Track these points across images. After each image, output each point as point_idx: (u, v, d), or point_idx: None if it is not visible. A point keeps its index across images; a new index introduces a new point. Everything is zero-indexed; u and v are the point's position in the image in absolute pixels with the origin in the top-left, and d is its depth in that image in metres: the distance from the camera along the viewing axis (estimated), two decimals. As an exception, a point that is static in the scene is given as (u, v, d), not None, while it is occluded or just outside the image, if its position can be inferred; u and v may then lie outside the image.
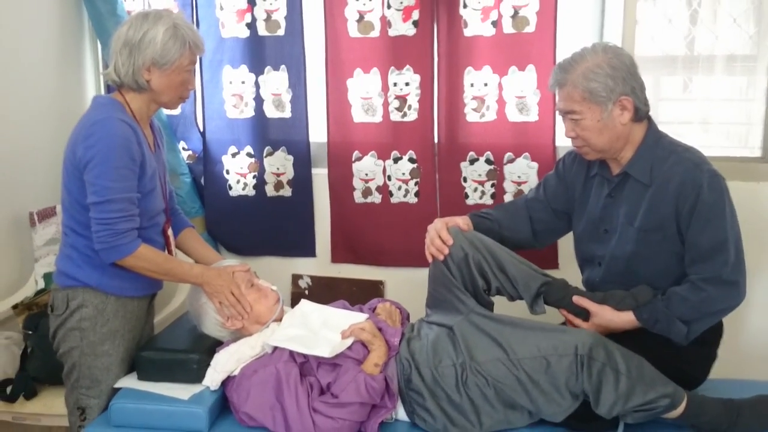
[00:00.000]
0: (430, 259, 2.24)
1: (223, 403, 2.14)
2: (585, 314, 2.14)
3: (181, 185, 3.06)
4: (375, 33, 2.86)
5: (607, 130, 2.04)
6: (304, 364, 2.06)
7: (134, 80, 2.07)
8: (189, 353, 2.16)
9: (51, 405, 2.43)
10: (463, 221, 2.26)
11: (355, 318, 2.20)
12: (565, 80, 2.04)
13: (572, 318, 2.16)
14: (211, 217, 3.15)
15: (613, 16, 2.78)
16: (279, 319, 2.23)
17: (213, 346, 2.20)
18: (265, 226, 3.12)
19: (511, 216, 2.36)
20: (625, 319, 2.09)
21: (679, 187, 2.01)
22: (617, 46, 2.11)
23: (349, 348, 2.08)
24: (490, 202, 2.89)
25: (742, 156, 2.83)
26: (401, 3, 2.81)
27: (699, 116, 2.91)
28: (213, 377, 2.11)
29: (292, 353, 2.07)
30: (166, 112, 3.02)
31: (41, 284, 2.70)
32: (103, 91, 3.18)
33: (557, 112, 2.14)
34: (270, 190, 3.09)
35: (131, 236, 2.01)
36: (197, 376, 2.13)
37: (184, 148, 3.14)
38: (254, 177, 3.09)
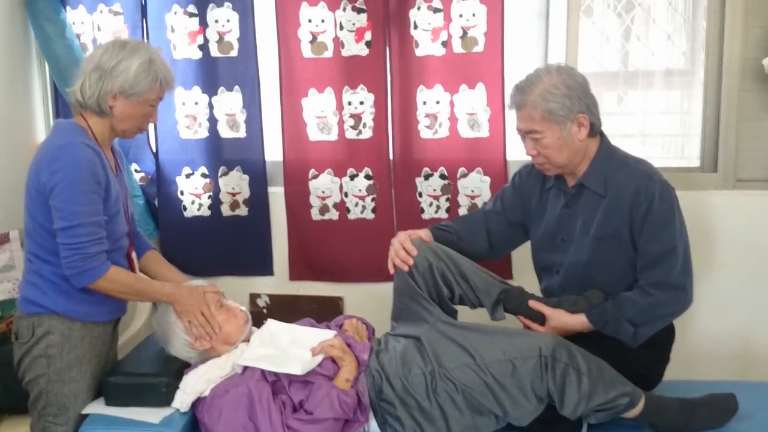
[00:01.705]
0: (392, 271, 2.31)
1: (194, 425, 2.13)
2: (541, 319, 2.24)
3: (134, 207, 3.03)
4: (328, 53, 2.91)
5: (567, 147, 2.15)
6: (276, 383, 2.09)
7: (98, 104, 2.08)
8: (157, 376, 2.15)
9: (12, 435, 2.38)
10: (424, 234, 2.34)
11: (324, 335, 2.23)
12: (524, 102, 2.14)
13: (529, 323, 2.26)
14: (165, 238, 3.12)
15: (557, 35, 2.91)
16: (247, 340, 2.25)
17: (181, 368, 2.20)
18: (221, 246, 3.12)
19: (470, 228, 2.44)
20: (578, 320, 2.20)
21: (633, 197, 2.13)
22: (569, 66, 2.22)
23: (320, 365, 2.11)
24: (445, 216, 2.96)
25: (681, 166, 2.99)
26: (353, 24, 2.87)
27: (639, 129, 3.05)
28: (183, 399, 2.11)
29: (263, 372, 2.09)
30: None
31: (-5, 312, 2.64)
32: (51, 115, 3.13)
33: (517, 132, 2.22)
34: (226, 210, 3.10)
35: (101, 259, 2.01)
36: (166, 399, 2.12)
37: (136, 170, 3.12)
38: (209, 197, 3.09)
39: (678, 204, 2.15)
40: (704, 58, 2.87)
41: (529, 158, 2.28)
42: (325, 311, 3.00)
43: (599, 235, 2.18)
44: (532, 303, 2.24)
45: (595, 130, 2.18)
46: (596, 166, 2.20)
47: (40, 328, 2.07)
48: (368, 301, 2.98)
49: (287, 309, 3.07)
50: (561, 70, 2.15)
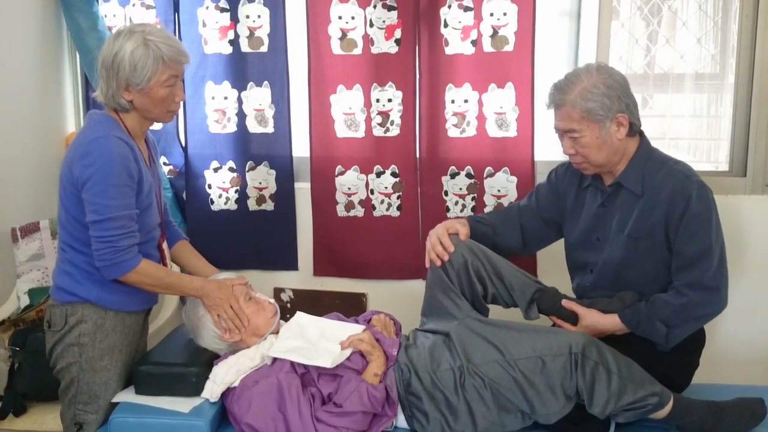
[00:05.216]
0: (428, 264, 2.31)
1: (223, 416, 2.15)
2: (574, 319, 2.24)
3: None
4: (358, 50, 2.92)
5: (606, 146, 2.14)
6: (305, 375, 2.10)
7: (116, 102, 2.06)
8: (188, 366, 2.17)
9: (41, 421, 2.41)
10: (461, 224, 2.33)
11: (352, 329, 2.24)
12: (562, 101, 2.13)
13: (561, 323, 2.26)
14: (192, 231, 3.13)
15: (588, 37, 2.90)
16: (276, 332, 2.26)
17: (210, 359, 2.22)
18: (247, 240, 3.13)
19: (504, 223, 2.45)
20: (611, 320, 2.20)
21: (670, 197, 2.13)
22: (608, 65, 2.21)
23: (348, 359, 2.13)
24: (470, 215, 2.96)
25: (710, 170, 2.97)
26: (384, 22, 2.88)
27: (664, 132, 3.04)
28: (212, 389, 2.13)
29: (292, 364, 2.10)
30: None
31: (25, 300, 2.67)
32: (81, 106, 3.16)
33: (555, 131, 2.22)
34: (252, 204, 3.11)
35: (132, 252, 2.02)
36: (196, 390, 2.14)
37: (165, 163, 3.14)
38: (236, 191, 3.11)
39: (715, 206, 2.13)
40: (734, 62, 2.86)
41: (556, 159, 2.29)
42: (348, 307, 3.01)
43: (634, 234, 2.18)
44: (565, 302, 2.24)
45: (634, 130, 2.18)
46: (634, 165, 2.19)
47: (73, 316, 2.09)
48: (392, 299, 2.99)
49: (311, 304, 3.07)
50: (601, 70, 2.14)
